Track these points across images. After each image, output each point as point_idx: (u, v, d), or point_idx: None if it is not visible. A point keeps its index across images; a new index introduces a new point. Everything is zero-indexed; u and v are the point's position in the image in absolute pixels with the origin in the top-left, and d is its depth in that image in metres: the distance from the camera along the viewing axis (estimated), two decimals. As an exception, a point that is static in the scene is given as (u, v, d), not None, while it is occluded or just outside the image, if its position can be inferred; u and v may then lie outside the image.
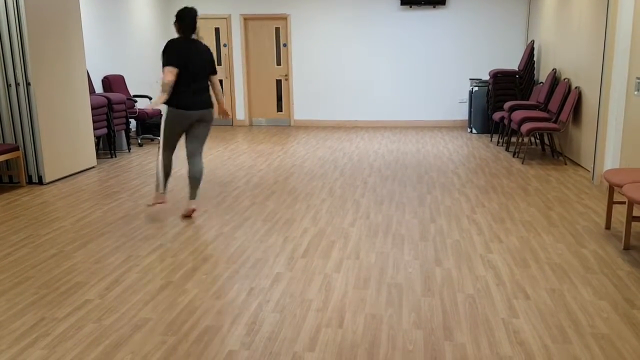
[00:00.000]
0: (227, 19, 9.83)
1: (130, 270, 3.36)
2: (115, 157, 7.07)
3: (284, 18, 9.73)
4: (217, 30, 9.92)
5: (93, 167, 6.38)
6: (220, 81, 10.09)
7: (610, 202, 3.99)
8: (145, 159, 6.91)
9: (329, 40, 9.72)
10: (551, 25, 7.62)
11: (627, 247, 3.62)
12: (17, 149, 5.44)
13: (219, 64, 10.02)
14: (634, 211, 3.65)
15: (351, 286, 3.10)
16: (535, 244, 3.74)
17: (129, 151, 7.45)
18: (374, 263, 3.44)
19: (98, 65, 7.70)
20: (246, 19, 9.83)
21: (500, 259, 3.49)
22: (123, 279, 3.23)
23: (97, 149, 7.25)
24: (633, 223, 3.92)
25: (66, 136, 5.87)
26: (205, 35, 9.93)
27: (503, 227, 4.12)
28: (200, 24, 9.88)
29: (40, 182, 5.59)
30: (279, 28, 9.77)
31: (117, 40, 8.22)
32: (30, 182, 5.62)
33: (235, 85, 10.07)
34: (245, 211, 4.61)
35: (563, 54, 6.97)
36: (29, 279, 3.25)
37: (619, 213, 4.38)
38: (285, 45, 9.84)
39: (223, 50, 9.97)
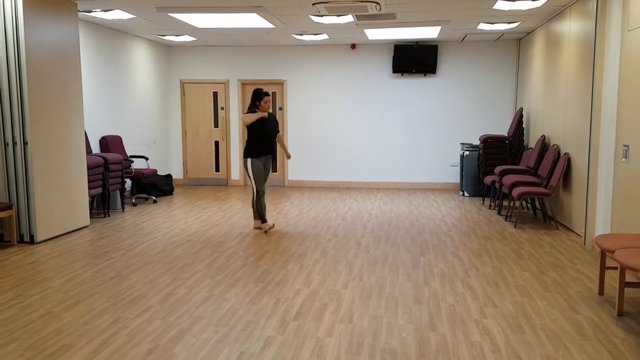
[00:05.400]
0: (226, 83, 10.11)
1: (119, 333, 3.29)
2: (109, 216, 7.06)
3: (280, 83, 10.02)
4: (215, 94, 10.18)
5: (86, 227, 6.36)
6: (217, 142, 10.25)
7: (603, 268, 4.00)
8: (139, 219, 6.90)
9: (324, 104, 9.98)
10: (539, 94, 7.88)
11: (620, 314, 3.60)
12: (10, 207, 5.44)
13: (216, 126, 10.22)
14: (626, 277, 3.65)
15: (344, 351, 3.04)
16: (530, 310, 3.72)
17: (123, 210, 7.45)
18: (368, 327, 3.39)
19: (96, 125, 7.83)
20: (244, 84, 10.11)
21: (495, 324, 3.45)
22: (111, 342, 3.16)
23: (91, 208, 7.24)
24: (626, 289, 3.91)
25: (60, 196, 5.89)
26: (203, 98, 10.18)
27: (497, 291, 4.10)
28: (198, 88, 10.18)
29: (32, 241, 5.55)
30: (275, 92, 10.04)
31: (117, 102, 8.40)
32: (21, 241, 5.58)
33: (232, 146, 10.22)
34: (237, 272, 4.57)
35: (551, 121, 7.17)
36: (15, 341, 3.17)
37: (612, 278, 4.38)
38: (281, 108, 10.07)
39: (220, 113, 10.20)
